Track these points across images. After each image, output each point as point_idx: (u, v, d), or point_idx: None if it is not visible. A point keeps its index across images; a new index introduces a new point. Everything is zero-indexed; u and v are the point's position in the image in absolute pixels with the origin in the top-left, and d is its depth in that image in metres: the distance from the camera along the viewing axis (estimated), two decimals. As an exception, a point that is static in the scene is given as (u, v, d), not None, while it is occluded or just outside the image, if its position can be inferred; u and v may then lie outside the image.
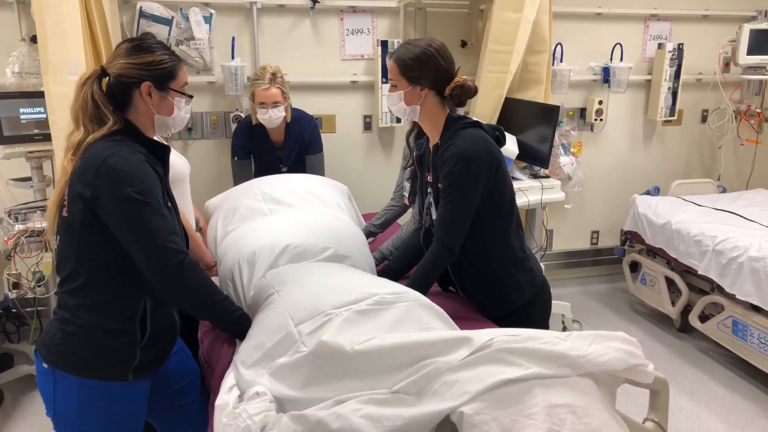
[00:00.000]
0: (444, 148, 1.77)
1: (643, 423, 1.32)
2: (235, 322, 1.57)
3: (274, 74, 2.85)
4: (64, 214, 1.48)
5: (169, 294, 1.50)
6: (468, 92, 1.80)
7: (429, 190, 1.90)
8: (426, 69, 1.77)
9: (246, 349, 1.43)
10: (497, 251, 1.86)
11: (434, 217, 1.86)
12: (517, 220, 1.89)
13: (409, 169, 2.15)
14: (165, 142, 1.62)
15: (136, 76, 1.50)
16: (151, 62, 1.51)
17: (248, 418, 1.15)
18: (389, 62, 1.82)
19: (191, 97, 1.64)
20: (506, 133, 3.22)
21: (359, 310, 1.32)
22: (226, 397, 1.31)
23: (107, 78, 1.50)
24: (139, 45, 1.53)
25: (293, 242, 1.83)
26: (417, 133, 2.01)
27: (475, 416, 1.03)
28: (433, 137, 1.87)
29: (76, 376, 1.49)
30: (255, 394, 1.21)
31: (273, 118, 2.86)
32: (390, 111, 2.58)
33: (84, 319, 1.48)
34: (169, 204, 1.58)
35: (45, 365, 1.51)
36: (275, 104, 2.84)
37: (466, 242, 1.80)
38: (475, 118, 1.86)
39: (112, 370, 1.51)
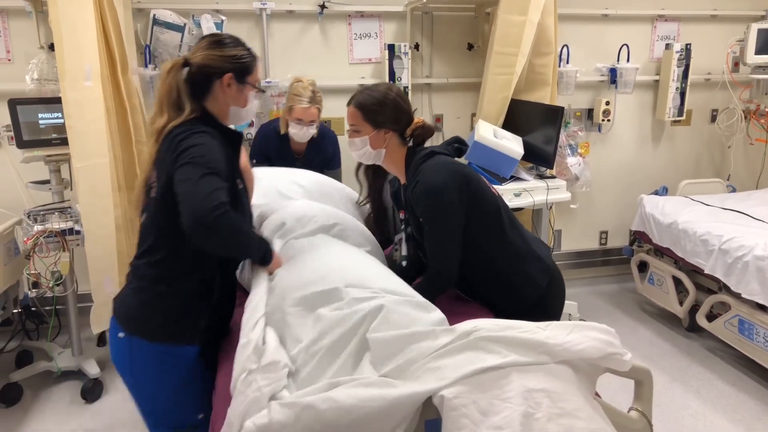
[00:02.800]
0: (412, 187, 1.82)
1: (628, 412, 1.36)
2: (260, 248, 1.65)
3: (314, 92, 2.89)
4: (153, 194, 1.60)
5: (202, 235, 1.45)
6: (428, 132, 1.88)
7: (402, 226, 1.97)
8: (388, 112, 1.83)
9: (289, 279, 1.51)
10: (498, 251, 1.87)
11: (404, 252, 1.94)
12: (508, 216, 1.90)
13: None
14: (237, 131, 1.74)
15: (220, 67, 1.62)
16: (234, 56, 1.64)
17: (257, 390, 1.21)
18: (349, 108, 1.87)
19: (263, 91, 1.75)
20: (511, 134, 3.28)
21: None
22: (251, 334, 1.37)
23: (189, 68, 1.62)
24: (222, 40, 1.66)
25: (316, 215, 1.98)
26: (367, 168, 2.08)
27: (454, 399, 1.08)
28: (400, 177, 1.92)
29: (152, 342, 1.60)
30: (269, 364, 1.26)
31: (307, 135, 2.93)
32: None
33: (163, 288, 1.59)
34: (240, 185, 1.68)
35: (121, 334, 1.61)
36: (311, 122, 2.90)
37: (467, 255, 1.81)
38: (430, 146, 1.89)
39: (185, 335, 1.62)
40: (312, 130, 2.93)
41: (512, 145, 3.18)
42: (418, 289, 1.82)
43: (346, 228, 1.99)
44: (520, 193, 3.14)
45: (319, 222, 1.93)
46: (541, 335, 1.17)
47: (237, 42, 1.68)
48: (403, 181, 1.92)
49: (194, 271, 1.61)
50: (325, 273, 1.53)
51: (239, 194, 1.65)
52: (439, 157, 1.82)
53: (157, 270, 1.60)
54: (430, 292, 1.81)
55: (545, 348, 1.16)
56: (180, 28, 3.26)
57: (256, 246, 1.62)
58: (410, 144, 1.87)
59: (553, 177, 3.35)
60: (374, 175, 2.11)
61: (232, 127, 1.72)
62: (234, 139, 1.68)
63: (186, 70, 1.61)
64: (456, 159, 1.91)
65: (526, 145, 3.23)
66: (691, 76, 3.99)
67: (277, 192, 2.23)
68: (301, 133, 2.91)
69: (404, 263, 1.95)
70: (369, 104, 1.83)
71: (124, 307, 1.64)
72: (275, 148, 3.08)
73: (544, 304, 1.90)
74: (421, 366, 1.15)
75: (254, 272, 1.69)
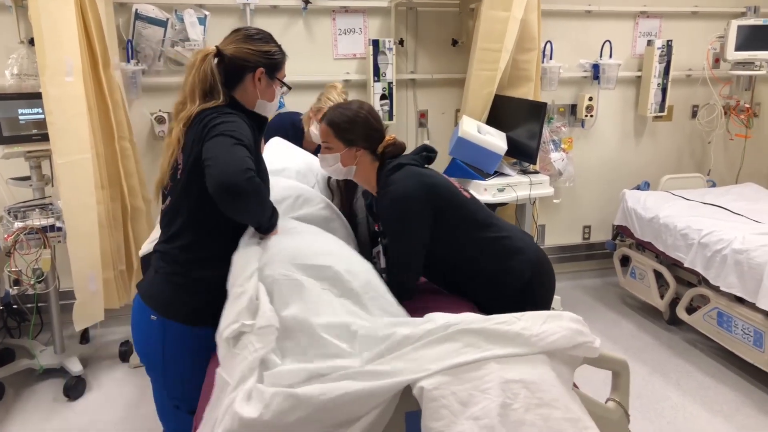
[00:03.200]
0: (381, 199, 1.83)
1: (606, 403, 1.39)
2: (271, 217, 1.65)
3: (345, 101, 2.86)
4: (179, 176, 1.61)
5: (229, 195, 1.46)
6: (399, 149, 1.90)
7: (378, 238, 1.99)
8: (360, 130, 1.85)
9: (284, 245, 1.55)
10: (478, 252, 1.86)
11: (382, 265, 1.94)
12: (484, 215, 1.89)
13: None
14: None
15: (253, 61, 1.67)
16: (267, 51, 1.70)
17: (254, 351, 1.25)
18: (322, 125, 1.89)
19: (290, 88, 1.82)
20: (495, 130, 3.30)
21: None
22: (247, 285, 1.40)
23: (219, 57, 1.65)
24: (254, 35, 1.71)
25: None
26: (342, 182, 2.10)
27: (434, 391, 1.10)
28: (373, 191, 1.94)
29: (185, 325, 1.63)
30: (265, 327, 1.29)
31: None
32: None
33: (195, 272, 1.62)
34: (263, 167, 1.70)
35: (154, 317, 1.64)
36: None
37: (449, 260, 1.82)
38: (399, 157, 1.89)
39: (213, 318, 1.62)
40: None
41: (496, 140, 3.21)
42: None
43: (343, 225, 2.02)
44: (503, 189, 3.17)
45: (324, 205, 1.97)
46: (517, 326, 1.19)
47: (269, 38, 1.73)
48: (375, 193, 1.93)
49: (224, 253, 1.63)
50: (319, 251, 1.56)
51: (263, 171, 1.69)
52: (408, 168, 1.82)
53: (188, 254, 1.64)
54: None
55: (521, 339, 1.18)
56: (163, 23, 3.24)
57: (269, 214, 1.64)
58: (381, 158, 1.89)
59: (536, 172, 3.38)
60: (346, 185, 2.14)
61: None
62: (260, 123, 1.74)
63: (216, 59, 1.65)
64: (426, 167, 1.92)
65: (510, 141, 3.26)
66: (672, 73, 4.04)
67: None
68: None
69: (383, 275, 1.90)
70: (340, 122, 1.85)
71: (155, 291, 1.67)
72: (286, 139, 3.05)
73: (531, 294, 1.89)
74: (400, 356, 1.17)
75: (248, 234, 1.69)
